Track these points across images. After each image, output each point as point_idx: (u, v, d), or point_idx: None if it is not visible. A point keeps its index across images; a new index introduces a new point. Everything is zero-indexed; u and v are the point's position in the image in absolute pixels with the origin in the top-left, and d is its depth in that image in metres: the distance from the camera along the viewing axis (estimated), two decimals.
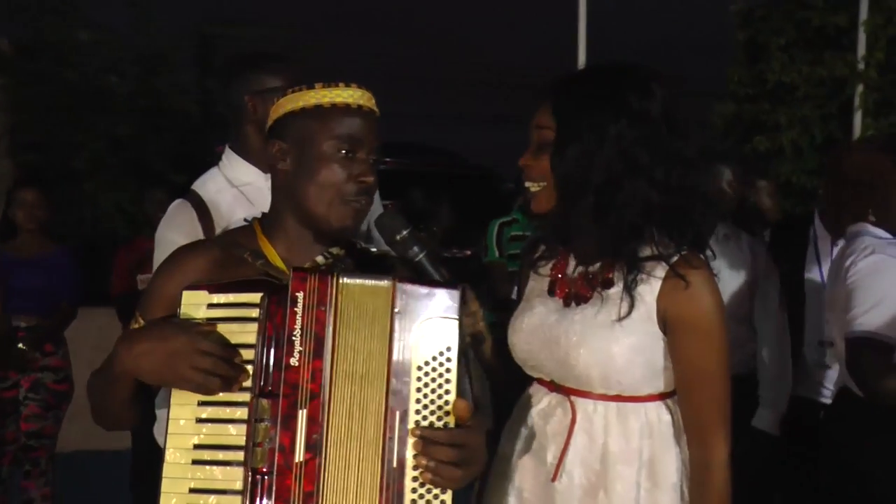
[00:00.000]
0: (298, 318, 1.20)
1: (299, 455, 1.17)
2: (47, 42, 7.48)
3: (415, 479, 1.21)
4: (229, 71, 2.05)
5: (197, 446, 1.21)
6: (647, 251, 1.48)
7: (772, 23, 6.36)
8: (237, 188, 1.95)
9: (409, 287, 1.24)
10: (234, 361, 1.22)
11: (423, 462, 1.20)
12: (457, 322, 1.23)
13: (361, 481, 1.20)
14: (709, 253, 1.53)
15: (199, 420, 1.21)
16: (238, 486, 1.19)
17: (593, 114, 1.45)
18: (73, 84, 7.47)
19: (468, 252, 6.00)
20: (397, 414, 1.21)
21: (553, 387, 1.56)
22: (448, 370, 1.22)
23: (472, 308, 1.45)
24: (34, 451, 3.59)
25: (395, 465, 1.20)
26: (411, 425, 1.21)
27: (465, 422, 1.22)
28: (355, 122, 1.32)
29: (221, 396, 1.21)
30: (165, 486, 1.20)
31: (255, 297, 1.23)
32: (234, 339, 1.23)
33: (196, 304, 1.24)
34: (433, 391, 1.22)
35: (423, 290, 1.25)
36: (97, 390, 1.36)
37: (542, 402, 1.57)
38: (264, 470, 1.18)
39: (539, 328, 1.55)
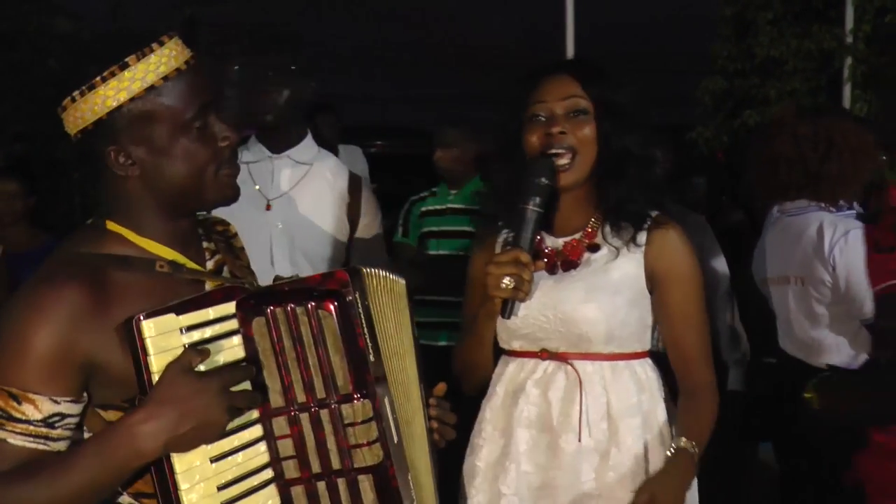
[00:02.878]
0: (361, 317, 1.16)
1: (395, 437, 1.22)
2: (27, 31, 7.37)
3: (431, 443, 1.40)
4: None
5: (222, 487, 1.09)
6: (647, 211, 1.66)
7: None
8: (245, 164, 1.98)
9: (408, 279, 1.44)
10: (256, 393, 1.12)
11: (436, 425, 1.41)
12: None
13: (421, 443, 1.36)
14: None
15: (214, 459, 1.09)
16: (277, 501, 1.15)
17: (622, 93, 1.64)
18: (55, 73, 7.37)
19: None
20: (422, 385, 1.40)
21: (547, 355, 1.60)
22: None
23: None
24: None
25: (427, 426, 1.40)
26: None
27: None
28: (193, 84, 1.13)
29: (229, 425, 1.10)
30: None
31: (231, 306, 1.13)
32: (228, 357, 1.12)
33: (166, 333, 1.05)
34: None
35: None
36: (51, 500, 1.03)
37: (538, 372, 1.62)
38: (375, 464, 1.15)
39: (540, 292, 1.61)
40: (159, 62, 1.13)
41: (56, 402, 1.07)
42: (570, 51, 5.28)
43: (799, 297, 2.37)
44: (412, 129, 8.94)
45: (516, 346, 1.67)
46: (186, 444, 1.05)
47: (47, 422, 1.06)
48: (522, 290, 1.52)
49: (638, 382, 1.60)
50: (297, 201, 2.12)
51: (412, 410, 1.35)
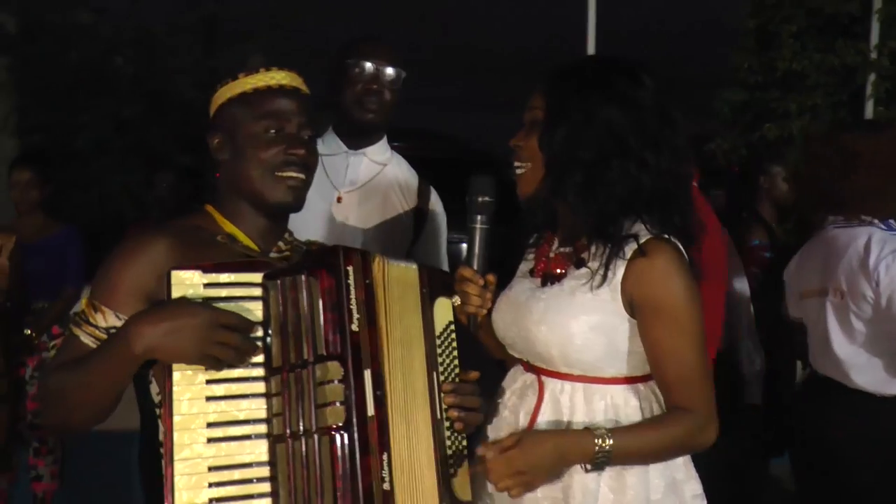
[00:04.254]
0: (353, 288, 1.27)
1: (370, 410, 1.25)
2: (48, 23, 7.43)
3: (448, 427, 1.40)
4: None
5: (211, 424, 1.22)
6: (633, 230, 1.49)
7: (783, 10, 6.30)
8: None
9: (428, 271, 1.45)
10: (250, 337, 1.25)
11: (455, 414, 1.41)
12: (451, 300, 1.49)
13: (419, 431, 1.35)
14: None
15: (211, 398, 1.23)
16: (264, 457, 1.23)
17: (584, 96, 1.49)
18: (75, 65, 7.43)
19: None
20: (434, 374, 1.40)
21: (528, 367, 1.59)
22: (453, 339, 1.47)
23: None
24: (41, 430, 3.57)
25: (438, 416, 1.39)
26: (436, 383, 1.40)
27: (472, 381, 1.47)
28: (279, 101, 1.40)
29: (233, 373, 1.24)
30: (180, 467, 1.20)
31: (256, 276, 1.28)
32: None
33: (189, 285, 1.24)
34: (447, 355, 1.44)
35: (438, 274, 1.47)
36: (76, 383, 1.28)
37: (518, 382, 1.61)
38: (336, 426, 1.21)
39: (511, 306, 1.59)
40: (258, 79, 1.41)
41: (118, 318, 1.30)
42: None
43: (837, 311, 2.30)
44: (431, 132, 8.94)
45: (510, 352, 1.66)
46: (164, 353, 1.21)
47: (108, 331, 1.31)
48: (471, 305, 1.54)
49: (610, 408, 1.51)
50: (368, 198, 2.14)
51: (413, 401, 1.36)
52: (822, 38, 6.19)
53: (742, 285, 2.96)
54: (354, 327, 1.25)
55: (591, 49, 5.48)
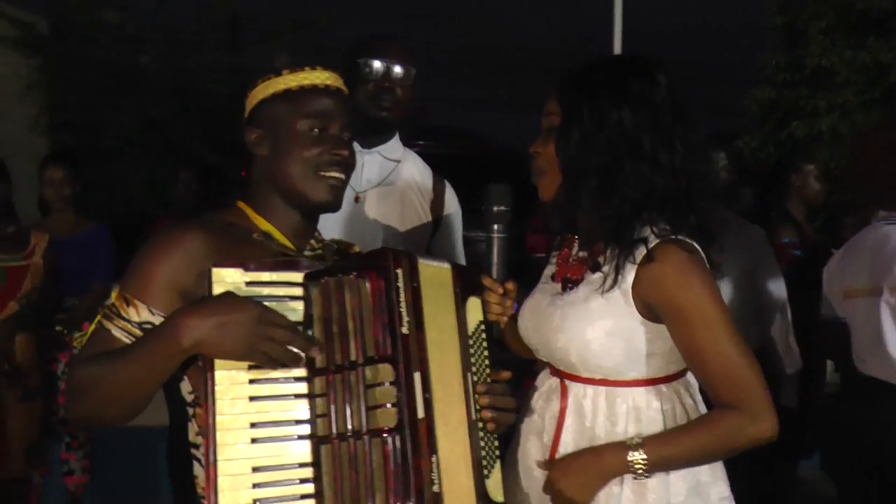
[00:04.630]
0: (402, 291, 1.26)
1: (421, 412, 1.25)
2: (77, 23, 7.52)
3: (480, 428, 1.39)
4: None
5: (254, 424, 1.21)
6: (644, 234, 1.48)
7: (812, 6, 6.23)
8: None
9: (459, 270, 1.44)
10: (298, 336, 1.23)
11: (489, 415, 1.40)
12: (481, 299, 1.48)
13: (456, 433, 1.35)
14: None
15: (254, 398, 1.21)
16: (307, 458, 1.22)
17: (596, 99, 1.49)
18: (102, 64, 7.51)
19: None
20: (468, 374, 1.39)
21: (553, 371, 1.60)
22: (484, 339, 1.45)
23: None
24: (73, 424, 3.62)
25: (473, 416, 1.39)
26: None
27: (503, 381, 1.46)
28: (323, 101, 1.40)
29: (276, 373, 1.23)
30: (223, 468, 1.18)
31: (297, 276, 1.26)
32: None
33: (231, 283, 1.22)
34: (479, 355, 1.44)
35: (468, 272, 1.47)
36: (113, 376, 1.25)
37: (544, 385, 1.62)
38: (388, 428, 1.21)
39: (534, 312, 1.59)
40: (303, 77, 1.41)
41: (152, 312, 1.28)
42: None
43: (893, 310, 2.27)
44: (456, 130, 8.95)
45: (538, 356, 1.66)
46: (214, 347, 1.20)
47: (141, 325, 1.28)
48: (491, 313, 1.57)
49: (632, 411, 1.52)
50: (385, 196, 2.14)
51: (450, 402, 1.36)
52: (854, 34, 6.11)
53: (776, 286, 2.92)
54: (405, 330, 1.25)
55: (617, 49, 5.44)
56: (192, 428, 1.33)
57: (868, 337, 2.30)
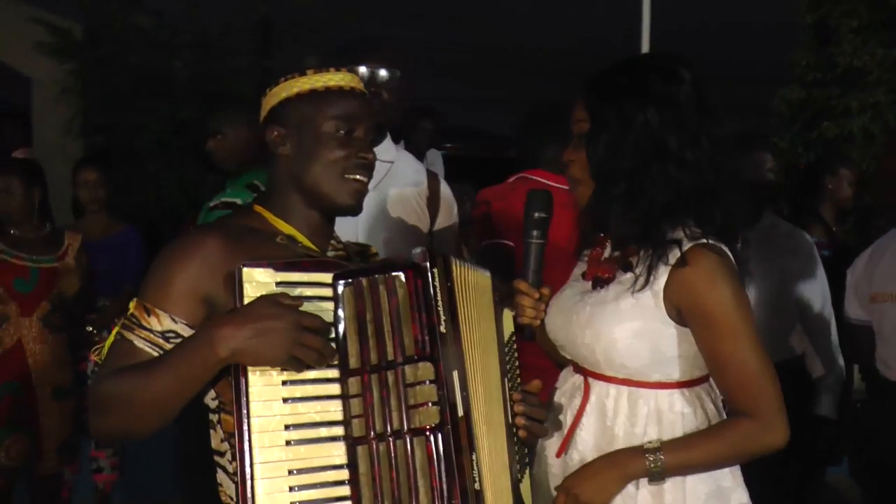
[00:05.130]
0: (439, 290, 1.26)
1: (460, 410, 1.25)
2: (112, 28, 7.64)
3: (514, 435, 1.42)
4: None
5: (289, 427, 1.20)
6: (676, 236, 1.49)
7: (843, 4, 6.13)
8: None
9: (494, 279, 1.47)
10: (330, 338, 1.23)
11: (523, 422, 1.43)
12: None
13: (496, 434, 1.36)
14: (739, 244, 1.54)
15: (287, 400, 1.20)
16: (343, 459, 1.22)
17: (620, 103, 1.50)
18: (136, 68, 7.63)
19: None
20: (505, 380, 1.42)
21: (577, 368, 1.62)
22: (516, 348, 1.48)
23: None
24: None
25: (510, 421, 1.41)
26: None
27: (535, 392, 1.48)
28: (350, 103, 1.38)
29: (308, 374, 1.22)
30: (260, 471, 1.17)
31: (326, 276, 1.26)
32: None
33: (262, 283, 1.21)
34: (512, 364, 1.47)
35: (499, 283, 1.49)
36: (145, 389, 1.22)
37: (567, 383, 1.63)
38: (430, 427, 1.20)
39: (562, 309, 1.61)
40: (329, 78, 1.38)
41: (174, 321, 1.26)
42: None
43: None
44: (478, 131, 8.94)
45: (563, 353, 1.68)
46: (252, 356, 1.18)
47: (164, 335, 1.26)
48: (525, 316, 1.58)
49: (653, 413, 1.52)
50: (384, 196, 2.18)
51: (491, 404, 1.37)
52: (886, 32, 5.99)
53: (822, 294, 2.85)
54: (443, 329, 1.24)
55: (644, 48, 5.41)
56: (217, 435, 1.32)
57: (894, 341, 2.27)
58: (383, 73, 2.11)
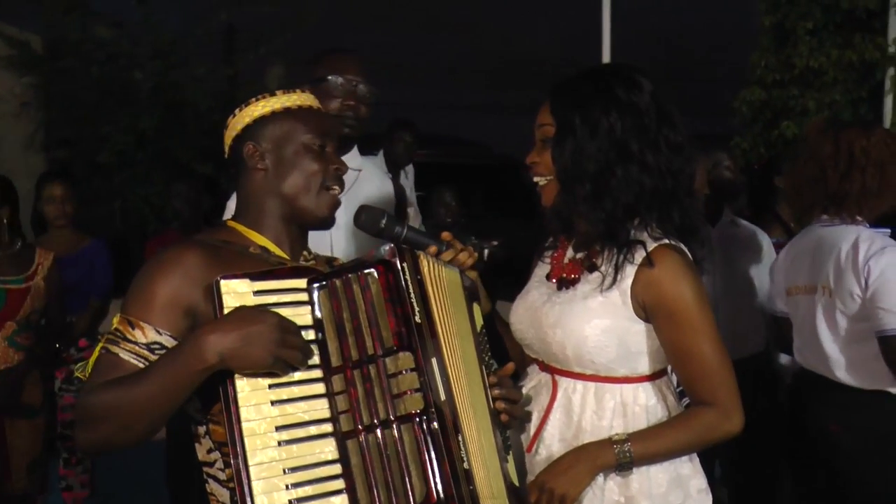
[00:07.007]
0: (410, 283, 1.31)
1: (442, 395, 1.29)
2: (70, 40, 7.53)
3: (496, 418, 1.47)
4: None
5: (279, 428, 1.24)
6: (639, 237, 1.57)
7: (799, 7, 6.25)
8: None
9: (462, 274, 1.54)
10: (309, 339, 1.28)
11: (502, 405, 1.47)
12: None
13: (483, 418, 1.41)
14: (692, 243, 1.61)
15: (275, 402, 1.25)
16: (334, 455, 1.26)
17: (586, 109, 1.57)
18: (97, 80, 7.52)
19: (494, 243, 5.97)
20: (482, 367, 1.47)
21: (543, 366, 1.67)
22: (486, 341, 1.53)
23: None
24: (71, 440, 3.64)
25: (491, 405, 1.46)
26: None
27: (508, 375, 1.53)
28: (323, 120, 1.47)
29: (294, 376, 1.27)
30: (256, 472, 1.21)
31: (301, 282, 1.31)
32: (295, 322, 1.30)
33: (240, 294, 1.26)
34: (485, 350, 1.52)
35: (467, 278, 1.56)
36: (133, 400, 1.23)
37: (533, 381, 1.69)
38: (416, 412, 1.25)
39: (529, 310, 1.67)
40: (299, 98, 1.46)
41: (159, 332, 1.30)
42: (607, 60, 5.27)
43: (825, 309, 2.32)
44: (457, 139, 8.96)
45: (528, 352, 1.72)
46: (239, 361, 1.21)
47: (149, 346, 1.29)
48: (462, 264, 1.62)
49: (619, 406, 1.58)
50: (354, 203, 2.17)
51: (473, 387, 1.42)
52: (840, 33, 6.12)
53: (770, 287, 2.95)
54: (417, 319, 1.29)
55: (606, 55, 5.48)
56: (203, 445, 1.34)
57: (807, 333, 2.39)
58: (363, 87, 2.14)
